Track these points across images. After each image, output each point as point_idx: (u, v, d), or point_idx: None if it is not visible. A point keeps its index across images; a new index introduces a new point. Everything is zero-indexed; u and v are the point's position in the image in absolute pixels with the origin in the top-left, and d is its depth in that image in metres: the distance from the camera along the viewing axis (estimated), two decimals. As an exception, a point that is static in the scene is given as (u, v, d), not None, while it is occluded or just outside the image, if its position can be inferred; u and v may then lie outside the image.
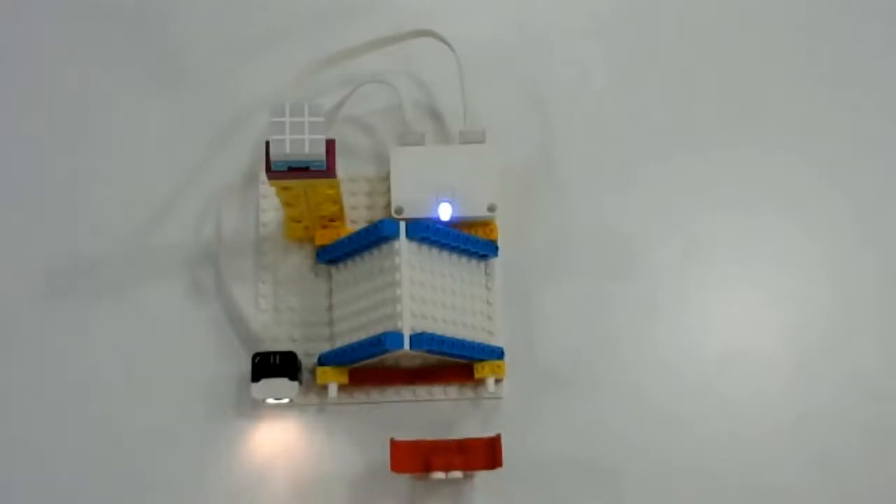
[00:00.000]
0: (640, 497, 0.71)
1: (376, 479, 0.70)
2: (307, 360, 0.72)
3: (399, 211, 0.72)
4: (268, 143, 0.63)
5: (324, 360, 0.71)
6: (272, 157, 0.63)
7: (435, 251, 0.70)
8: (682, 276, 0.75)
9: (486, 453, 0.67)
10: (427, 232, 0.68)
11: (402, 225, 0.68)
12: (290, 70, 0.75)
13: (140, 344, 0.73)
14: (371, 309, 0.69)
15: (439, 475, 0.67)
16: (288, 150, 0.63)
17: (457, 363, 0.71)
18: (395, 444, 0.67)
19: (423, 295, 0.68)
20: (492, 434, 0.67)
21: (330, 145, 0.64)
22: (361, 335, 0.69)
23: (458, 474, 0.67)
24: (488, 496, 0.71)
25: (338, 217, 0.72)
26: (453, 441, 0.68)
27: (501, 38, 0.81)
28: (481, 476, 0.70)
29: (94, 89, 0.79)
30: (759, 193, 0.77)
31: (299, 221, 0.72)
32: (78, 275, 0.75)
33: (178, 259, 0.75)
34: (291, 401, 0.71)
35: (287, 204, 0.70)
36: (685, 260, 0.76)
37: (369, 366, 0.71)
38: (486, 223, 0.73)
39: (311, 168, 0.64)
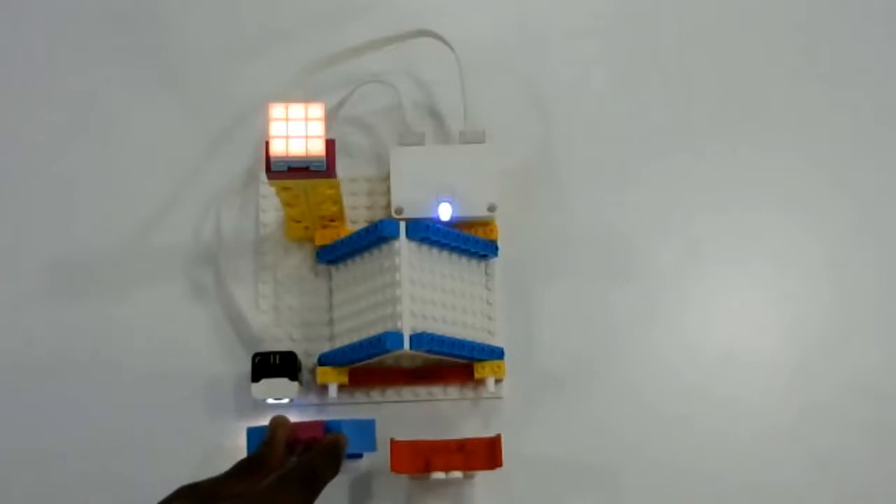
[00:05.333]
0: (639, 497, 0.71)
1: (376, 479, 0.70)
2: (307, 360, 0.72)
3: (399, 211, 0.72)
4: (268, 143, 0.63)
5: (324, 360, 0.71)
6: (272, 157, 0.63)
7: (435, 251, 0.70)
8: (683, 276, 0.75)
9: (486, 453, 0.67)
10: (427, 232, 0.68)
11: (402, 225, 0.68)
12: (290, 70, 0.75)
13: (140, 344, 0.73)
14: (371, 309, 0.69)
15: (439, 475, 0.67)
16: (288, 150, 0.63)
17: (457, 363, 0.71)
18: (395, 444, 0.67)
19: (423, 295, 0.68)
20: (492, 434, 0.67)
21: (330, 145, 0.64)
22: (361, 335, 0.69)
23: (458, 474, 0.67)
24: (488, 496, 0.71)
25: (338, 217, 0.72)
26: (453, 441, 0.68)
27: (501, 38, 0.81)
28: (481, 476, 0.70)
29: (94, 89, 0.79)
30: (759, 193, 0.77)
31: (299, 221, 0.72)
32: (78, 275, 0.75)
33: (178, 259, 0.75)
34: (291, 401, 0.71)
35: (287, 204, 0.70)
36: (685, 260, 0.76)
37: (369, 366, 0.71)
38: (486, 223, 0.73)
39: (311, 168, 0.64)
